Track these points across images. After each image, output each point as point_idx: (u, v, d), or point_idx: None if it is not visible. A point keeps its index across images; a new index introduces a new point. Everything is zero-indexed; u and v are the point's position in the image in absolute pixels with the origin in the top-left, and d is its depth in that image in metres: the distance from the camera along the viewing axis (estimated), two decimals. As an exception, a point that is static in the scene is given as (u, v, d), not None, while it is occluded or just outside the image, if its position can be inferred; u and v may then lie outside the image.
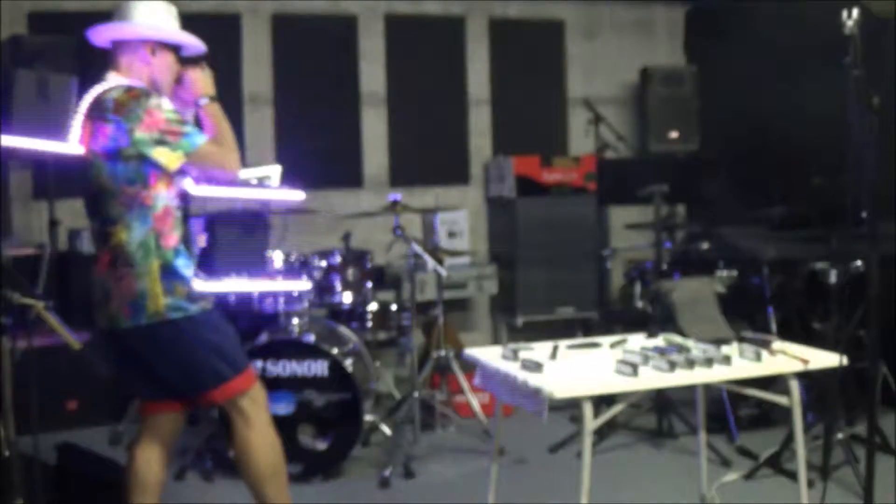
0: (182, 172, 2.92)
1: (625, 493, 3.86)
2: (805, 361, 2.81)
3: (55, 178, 5.24)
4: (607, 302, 5.49)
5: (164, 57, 2.99)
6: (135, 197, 2.83)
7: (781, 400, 2.92)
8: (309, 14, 6.07)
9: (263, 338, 4.23)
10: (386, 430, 4.48)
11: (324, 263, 4.60)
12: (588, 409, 2.56)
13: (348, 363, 4.11)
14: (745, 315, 4.59)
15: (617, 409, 2.96)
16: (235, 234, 3.01)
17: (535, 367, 2.70)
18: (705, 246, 5.24)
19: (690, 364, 2.73)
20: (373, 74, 6.17)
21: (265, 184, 3.13)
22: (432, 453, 4.46)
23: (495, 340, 6.33)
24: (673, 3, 6.97)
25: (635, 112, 6.70)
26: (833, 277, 3.97)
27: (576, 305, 6.04)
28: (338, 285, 4.64)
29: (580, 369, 2.80)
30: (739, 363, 2.80)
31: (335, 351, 4.12)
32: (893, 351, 4.23)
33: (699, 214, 6.57)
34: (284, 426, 4.04)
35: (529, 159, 6.10)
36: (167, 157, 2.82)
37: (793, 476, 3.28)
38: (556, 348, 2.95)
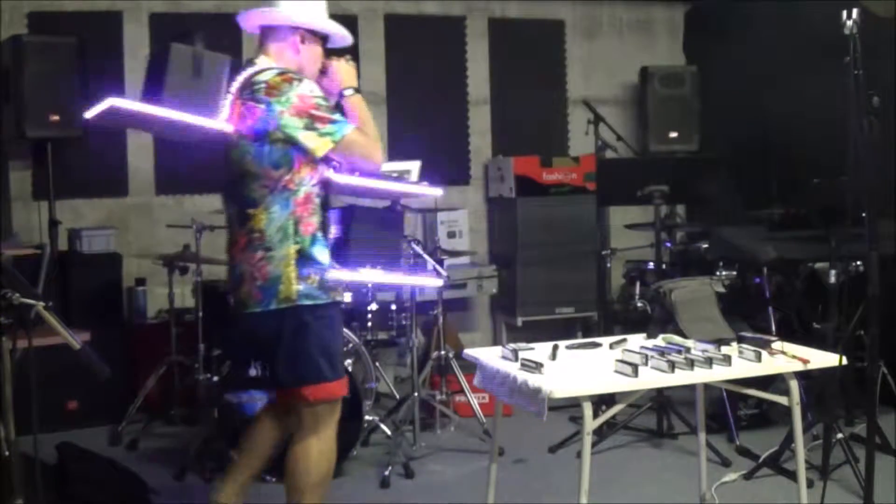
0: (326, 160, 2.92)
1: (625, 493, 3.86)
2: (805, 361, 2.81)
3: (56, 177, 5.26)
4: (607, 302, 5.49)
5: (312, 46, 3.01)
6: (278, 180, 2.84)
7: (781, 400, 2.92)
8: (309, 14, 6.06)
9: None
10: (386, 430, 4.48)
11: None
12: (588, 409, 2.56)
13: (348, 363, 4.11)
14: (745, 315, 4.59)
15: (617, 409, 2.96)
16: (370, 227, 3.02)
17: (535, 367, 2.70)
18: (705, 246, 5.24)
19: (690, 364, 2.73)
20: (373, 74, 6.16)
21: (404, 178, 3.14)
22: (432, 453, 4.46)
23: (495, 340, 6.34)
24: (673, 3, 6.97)
25: (635, 112, 6.70)
26: (833, 277, 3.97)
27: (576, 305, 6.04)
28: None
29: (580, 369, 2.80)
30: (739, 363, 2.80)
31: (335, 351, 4.11)
32: (893, 351, 4.23)
33: (699, 214, 6.57)
34: (284, 426, 4.06)
35: (529, 159, 6.09)
36: (314, 143, 2.82)
37: (792, 476, 3.28)
38: (556, 348, 2.95)
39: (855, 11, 2.96)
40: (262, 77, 2.86)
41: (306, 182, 2.87)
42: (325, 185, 2.97)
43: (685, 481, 3.85)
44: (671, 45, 6.99)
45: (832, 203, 3.83)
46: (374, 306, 4.80)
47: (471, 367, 3.16)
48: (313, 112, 2.82)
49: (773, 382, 3.28)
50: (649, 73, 6.34)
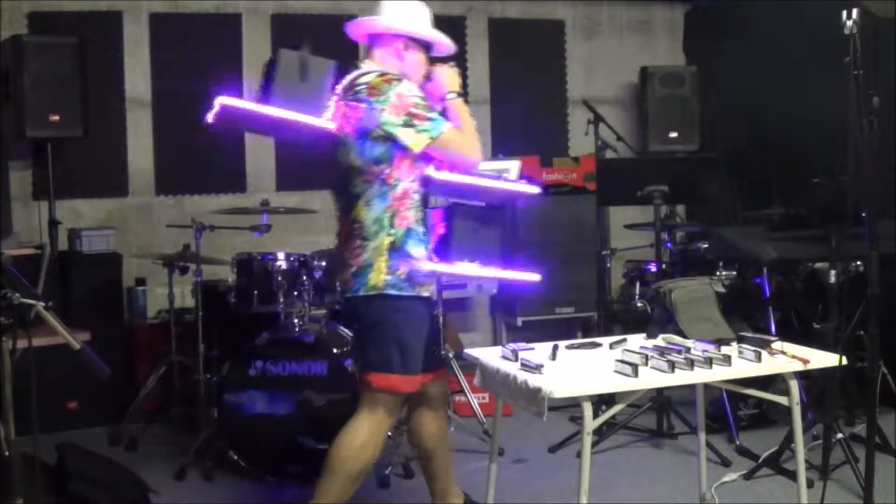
0: (425, 157, 3.05)
1: (624, 493, 3.86)
2: (805, 361, 2.81)
3: (56, 177, 5.26)
4: (607, 302, 5.49)
5: (415, 53, 3.17)
6: (378, 175, 3.00)
7: (781, 400, 2.92)
8: (309, 14, 6.07)
9: (263, 338, 4.23)
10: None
11: (324, 263, 4.60)
12: (588, 409, 2.56)
13: (348, 363, 4.11)
14: (745, 315, 4.59)
15: (617, 408, 2.96)
16: (471, 225, 3.14)
17: (535, 367, 2.70)
18: (705, 246, 5.24)
19: (690, 364, 2.73)
20: (373, 74, 6.16)
21: (503, 177, 3.22)
22: (432, 453, 4.45)
23: (495, 340, 6.33)
24: (672, 3, 6.97)
25: (635, 112, 6.70)
26: (833, 277, 3.97)
27: (576, 305, 6.04)
28: (338, 285, 4.63)
29: (580, 369, 2.80)
30: (739, 363, 2.80)
31: (335, 351, 4.12)
32: (893, 351, 4.23)
33: (699, 214, 6.57)
34: (284, 426, 4.07)
35: (529, 159, 6.09)
36: (412, 139, 2.97)
37: (792, 476, 3.28)
38: (556, 348, 2.95)
39: (855, 11, 2.97)
40: (363, 79, 3.06)
41: (404, 178, 3.02)
42: (426, 182, 3.10)
43: (685, 481, 3.86)
44: (671, 45, 6.99)
45: (832, 203, 3.83)
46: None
47: (471, 367, 3.16)
48: (411, 110, 2.97)
49: (773, 382, 3.28)
50: (649, 73, 6.34)
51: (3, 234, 4.91)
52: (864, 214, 3.07)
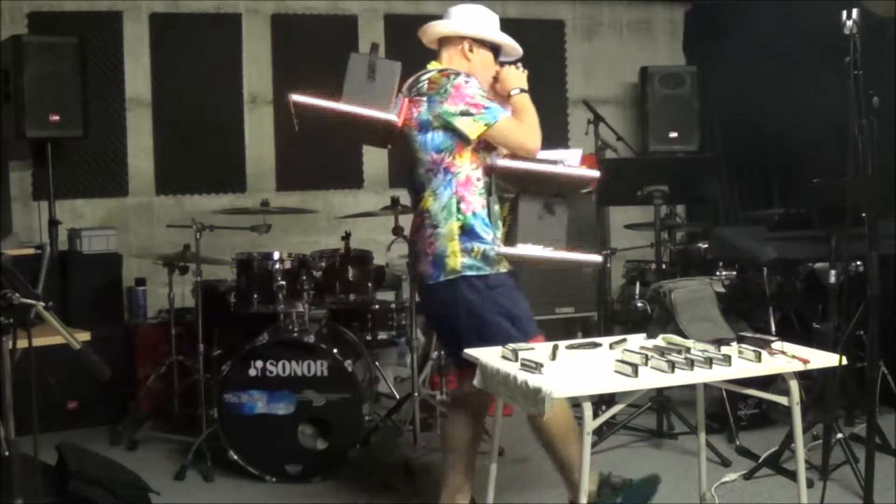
0: (487, 146, 3.19)
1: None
2: (805, 361, 2.80)
3: (56, 177, 5.26)
4: (607, 302, 5.49)
5: (481, 54, 3.34)
6: (441, 164, 3.17)
7: (781, 400, 2.92)
8: (309, 14, 6.07)
9: (263, 338, 4.23)
10: (386, 430, 4.48)
11: (323, 263, 4.60)
12: (588, 409, 2.56)
13: (348, 363, 4.11)
14: (745, 315, 4.59)
15: (617, 408, 2.96)
16: (536, 211, 3.24)
17: (535, 367, 2.69)
18: (705, 246, 5.24)
19: (690, 364, 2.72)
20: (373, 74, 6.16)
21: (564, 164, 3.30)
22: (432, 453, 4.45)
23: (495, 340, 6.33)
24: (672, 3, 6.97)
25: (635, 112, 6.70)
26: (833, 277, 3.97)
27: (576, 305, 6.03)
28: (338, 285, 4.64)
29: (580, 369, 2.80)
30: (739, 363, 2.80)
31: (335, 351, 4.12)
32: (893, 351, 4.24)
33: (699, 214, 6.57)
34: (284, 426, 4.07)
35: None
36: (469, 128, 3.13)
37: (792, 476, 3.27)
38: (556, 348, 2.95)
39: (855, 11, 2.97)
40: (425, 76, 3.26)
41: (467, 165, 3.17)
42: (489, 170, 3.21)
43: (685, 481, 3.85)
44: (671, 45, 6.99)
45: (832, 203, 3.83)
46: (374, 306, 4.81)
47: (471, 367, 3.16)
48: (468, 100, 3.13)
49: (773, 382, 3.28)
50: (649, 73, 6.34)
51: (3, 234, 4.91)
52: (864, 214, 3.07)
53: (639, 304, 5.05)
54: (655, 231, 4.74)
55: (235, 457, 4.07)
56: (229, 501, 3.90)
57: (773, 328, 4.64)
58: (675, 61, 6.85)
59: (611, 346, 3.05)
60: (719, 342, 2.94)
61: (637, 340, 3.13)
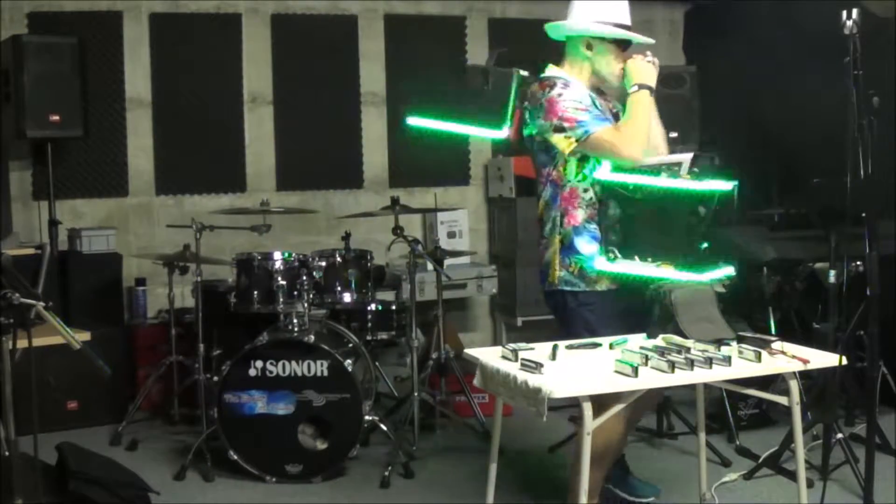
0: (590, 159, 3.13)
1: (625, 493, 3.85)
2: (805, 361, 2.80)
3: (56, 177, 5.26)
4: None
5: (603, 51, 3.20)
6: (547, 177, 3.21)
7: (781, 400, 2.92)
8: (309, 14, 6.07)
9: (263, 338, 4.23)
10: (386, 430, 4.48)
11: (324, 263, 4.60)
12: (588, 409, 2.56)
13: (348, 363, 4.11)
14: (745, 315, 4.59)
15: (617, 408, 2.96)
16: (650, 224, 3.12)
17: (535, 367, 2.69)
18: (705, 245, 5.23)
19: (690, 364, 2.72)
20: (373, 74, 6.16)
21: (675, 172, 3.16)
22: (432, 453, 4.46)
23: (495, 340, 6.33)
24: (672, 3, 6.97)
25: (635, 112, 6.69)
26: (833, 277, 3.97)
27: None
28: (338, 285, 4.64)
29: (580, 369, 2.80)
30: (739, 363, 2.80)
31: (335, 351, 4.12)
32: (893, 351, 4.23)
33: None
34: (284, 426, 4.07)
35: (529, 159, 6.07)
36: (562, 144, 3.11)
37: (792, 476, 3.27)
38: (555, 348, 2.95)
39: (855, 11, 2.97)
40: (533, 86, 3.22)
41: (571, 178, 3.16)
42: (596, 182, 3.15)
43: (685, 481, 3.85)
44: (671, 45, 6.98)
45: (832, 203, 3.83)
46: (374, 306, 4.81)
47: (471, 367, 3.16)
48: (561, 114, 3.08)
49: (773, 382, 3.28)
50: (649, 73, 6.33)
51: (3, 234, 4.91)
52: (864, 214, 3.07)
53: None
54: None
55: (235, 457, 4.07)
56: (229, 501, 3.90)
57: (773, 328, 4.64)
58: (674, 61, 6.84)
59: (611, 346, 3.05)
60: (719, 342, 2.94)
61: (637, 340, 3.13)
